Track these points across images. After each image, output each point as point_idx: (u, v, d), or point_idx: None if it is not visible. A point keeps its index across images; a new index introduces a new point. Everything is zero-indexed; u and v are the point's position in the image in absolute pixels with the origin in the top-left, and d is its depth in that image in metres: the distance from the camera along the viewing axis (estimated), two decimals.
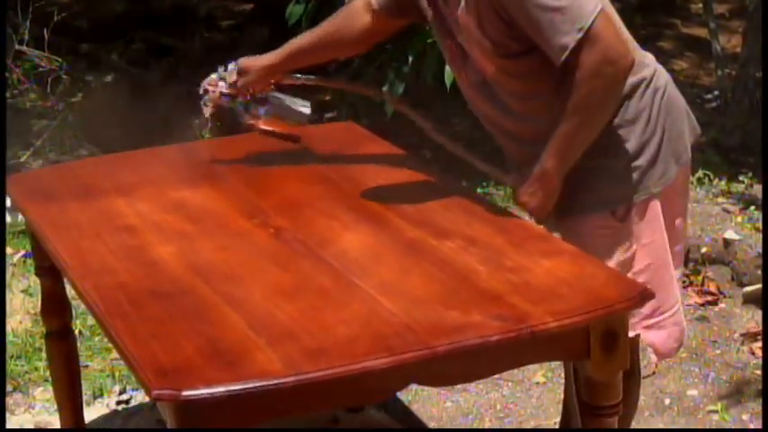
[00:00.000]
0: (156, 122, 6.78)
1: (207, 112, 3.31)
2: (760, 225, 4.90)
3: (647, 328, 2.91)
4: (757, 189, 5.52)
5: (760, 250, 4.70)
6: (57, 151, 6.58)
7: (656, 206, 2.87)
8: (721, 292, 4.61)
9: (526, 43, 2.73)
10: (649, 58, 2.95)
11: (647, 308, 2.86)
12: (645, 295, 2.47)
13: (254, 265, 2.65)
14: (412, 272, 2.58)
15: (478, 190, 5.67)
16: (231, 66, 3.26)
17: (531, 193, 2.82)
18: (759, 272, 4.64)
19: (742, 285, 4.62)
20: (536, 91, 2.83)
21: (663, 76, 2.93)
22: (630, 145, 2.84)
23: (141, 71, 7.84)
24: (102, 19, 8.22)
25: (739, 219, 5.02)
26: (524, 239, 2.74)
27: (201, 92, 3.29)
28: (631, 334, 2.87)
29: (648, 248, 2.88)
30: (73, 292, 2.82)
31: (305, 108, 3.33)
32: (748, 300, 4.53)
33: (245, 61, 3.24)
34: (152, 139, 5.53)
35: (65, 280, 3.05)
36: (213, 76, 3.29)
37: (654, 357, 3.01)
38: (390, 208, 2.93)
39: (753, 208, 5.16)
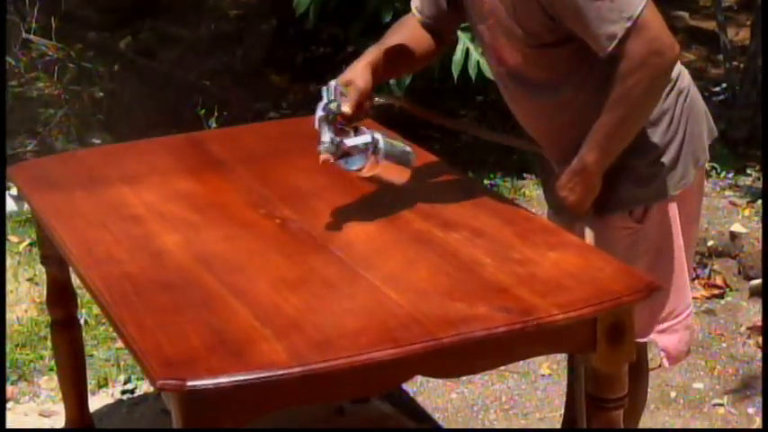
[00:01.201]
0: (163, 112, 6.78)
1: (329, 159, 2.73)
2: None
3: (661, 332, 2.90)
4: (763, 183, 5.50)
5: None
6: (63, 140, 6.58)
7: (673, 208, 2.84)
8: (728, 286, 4.60)
9: (561, 35, 2.69)
10: None
11: (663, 311, 2.85)
12: (651, 288, 2.47)
13: (260, 255, 2.65)
14: (418, 263, 2.57)
15: (486, 181, 5.66)
16: (333, 83, 2.79)
17: (571, 187, 2.77)
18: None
19: (748, 279, 4.61)
20: (559, 83, 2.79)
21: (686, 78, 2.90)
22: (652, 146, 2.80)
23: (149, 60, 7.84)
24: (109, 8, 8.20)
25: (746, 212, 5.01)
26: (531, 231, 2.73)
27: (317, 126, 2.75)
28: (646, 338, 2.87)
29: (665, 251, 2.85)
30: (78, 281, 2.82)
31: (410, 152, 2.88)
32: (755, 293, 4.53)
33: (344, 75, 2.82)
34: (159, 128, 5.54)
35: (70, 269, 3.05)
36: (323, 101, 2.76)
37: (665, 362, 2.98)
38: (397, 199, 2.92)
39: (760, 201, 5.14)
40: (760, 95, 6.17)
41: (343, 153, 2.75)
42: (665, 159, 2.81)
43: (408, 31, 3.00)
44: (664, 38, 2.62)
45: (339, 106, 2.74)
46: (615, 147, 2.72)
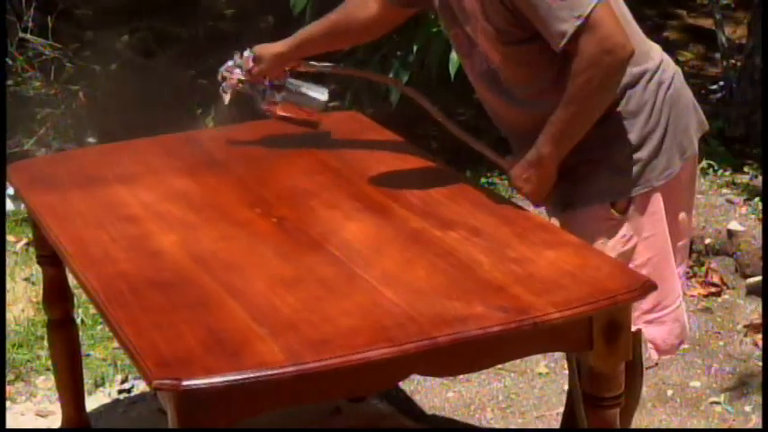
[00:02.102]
0: (160, 111, 6.77)
1: (226, 98, 3.34)
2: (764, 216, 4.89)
3: (648, 323, 2.90)
4: (762, 180, 5.50)
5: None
6: (60, 139, 6.57)
7: (657, 200, 2.86)
8: (725, 284, 4.60)
9: (530, 30, 2.72)
10: (656, 49, 2.94)
11: (648, 302, 2.85)
12: (648, 287, 2.47)
13: (256, 255, 2.65)
14: (415, 262, 2.57)
15: (482, 180, 5.66)
16: (246, 52, 3.28)
17: (526, 178, 2.83)
18: (762, 263, 4.63)
19: (746, 277, 4.61)
20: (540, 79, 2.82)
21: (669, 69, 2.91)
22: (632, 137, 2.82)
23: (146, 59, 7.83)
24: (106, 7, 8.19)
25: (743, 210, 5.00)
26: (528, 230, 2.73)
27: (219, 78, 3.33)
28: (633, 329, 2.87)
29: (649, 242, 2.86)
30: (75, 280, 2.82)
31: (321, 94, 3.36)
32: (752, 291, 4.52)
33: (260, 48, 3.27)
34: (155, 127, 5.53)
35: (66, 269, 3.05)
36: (229, 62, 3.31)
37: (654, 354, 2.98)
38: (394, 198, 2.93)
39: (757, 199, 5.14)
40: (757, 93, 6.17)
41: (291, 88, 3.31)
42: (646, 150, 2.83)
43: (350, 8, 3.21)
44: (616, 37, 2.65)
45: (239, 73, 3.28)
46: (569, 140, 2.77)
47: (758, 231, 4.75)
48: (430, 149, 3.36)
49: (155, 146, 3.48)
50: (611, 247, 2.82)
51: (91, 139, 6.52)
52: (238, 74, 3.29)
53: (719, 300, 4.51)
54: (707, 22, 7.84)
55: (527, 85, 2.85)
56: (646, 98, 2.84)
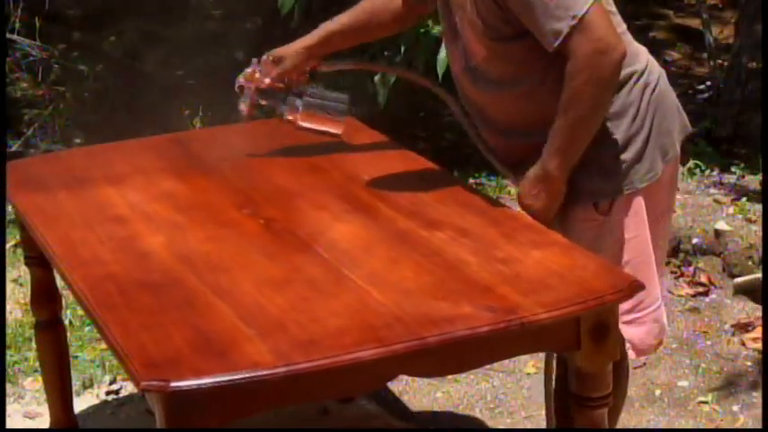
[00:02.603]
0: (148, 112, 6.76)
1: (244, 110, 3.23)
2: (751, 216, 4.90)
3: (627, 323, 2.89)
4: (749, 180, 5.52)
5: (751, 241, 4.70)
6: (48, 140, 6.56)
7: (639, 201, 2.85)
8: (712, 284, 4.61)
9: (518, 28, 2.72)
10: (642, 51, 2.94)
11: (628, 303, 2.84)
12: (635, 286, 2.47)
13: (244, 255, 2.64)
14: (402, 263, 2.58)
15: (470, 180, 5.66)
16: (264, 57, 3.20)
17: (535, 195, 2.79)
18: (750, 263, 4.64)
19: (733, 276, 4.62)
20: (523, 77, 2.82)
21: (655, 71, 2.91)
22: (616, 139, 2.82)
23: (133, 60, 7.82)
24: (94, 7, 8.18)
25: (731, 210, 5.01)
26: (515, 230, 2.73)
27: (237, 89, 3.22)
28: None
29: (631, 244, 2.86)
30: (63, 281, 2.82)
31: (344, 99, 3.29)
32: (739, 291, 4.53)
33: (279, 50, 3.20)
34: (143, 128, 5.52)
35: (54, 270, 3.04)
36: (248, 69, 3.21)
37: (632, 354, 2.98)
38: (381, 199, 2.93)
39: (744, 199, 5.15)
40: (744, 93, 6.20)
41: (312, 97, 3.23)
42: (630, 152, 2.83)
43: (377, 1, 3.18)
44: (609, 38, 2.64)
45: (260, 78, 3.18)
46: (575, 149, 2.74)
47: (745, 231, 4.77)
48: (417, 150, 3.35)
49: (143, 147, 3.48)
50: (592, 248, 2.79)
51: (78, 140, 6.51)
52: (258, 79, 3.17)
53: (707, 299, 4.52)
54: (694, 22, 7.86)
55: (509, 82, 2.84)
56: (631, 100, 2.84)
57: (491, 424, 3.80)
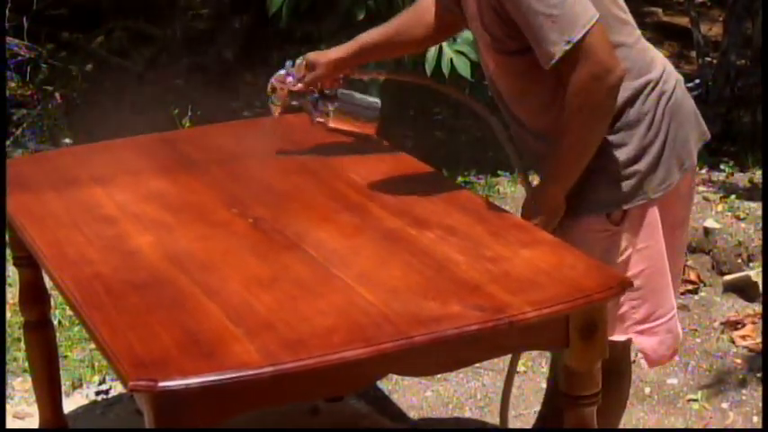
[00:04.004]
0: (137, 111, 6.75)
1: (275, 111, 3.26)
2: (740, 214, 4.91)
3: (640, 333, 2.88)
4: (738, 177, 5.53)
5: (740, 239, 4.71)
6: (36, 140, 6.55)
7: (654, 211, 2.82)
8: (701, 281, 4.61)
9: (522, 42, 2.69)
10: (658, 59, 2.89)
11: (641, 313, 2.85)
12: (624, 284, 2.48)
13: (233, 255, 2.64)
14: (391, 262, 2.57)
15: (459, 179, 5.66)
16: (299, 60, 3.19)
17: (535, 210, 2.80)
18: (739, 260, 4.65)
19: (722, 274, 4.63)
20: (531, 91, 2.80)
21: (671, 79, 2.87)
22: (630, 148, 2.78)
23: (121, 60, 7.81)
24: (82, 7, 8.17)
25: (720, 207, 5.02)
26: (504, 229, 2.73)
27: (269, 90, 3.23)
28: (623, 338, 2.87)
29: (644, 254, 2.83)
30: (51, 282, 2.81)
31: (374, 105, 3.29)
32: (728, 288, 4.54)
33: (313, 55, 3.18)
34: (132, 128, 5.51)
35: (43, 270, 3.04)
36: (281, 72, 3.21)
37: (645, 364, 2.97)
38: (370, 198, 2.93)
39: (733, 197, 5.16)
40: (734, 91, 6.20)
41: (343, 102, 3.23)
42: (645, 162, 2.79)
43: (411, 15, 3.14)
44: (606, 62, 2.62)
45: (293, 81, 3.18)
46: (571, 171, 2.75)
47: (734, 229, 4.77)
48: (406, 149, 3.35)
49: (131, 146, 3.47)
50: (605, 257, 2.78)
51: (67, 140, 6.50)
52: (291, 83, 3.18)
53: (696, 297, 4.53)
54: (682, 20, 7.87)
55: (518, 94, 2.83)
56: (646, 109, 2.80)
57: (481, 423, 3.80)
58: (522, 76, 2.79)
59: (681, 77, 2.93)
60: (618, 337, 2.85)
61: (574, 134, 2.69)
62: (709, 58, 6.69)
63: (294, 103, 3.23)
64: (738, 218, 4.90)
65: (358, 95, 3.27)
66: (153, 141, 3.55)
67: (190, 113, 6.28)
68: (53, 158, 3.56)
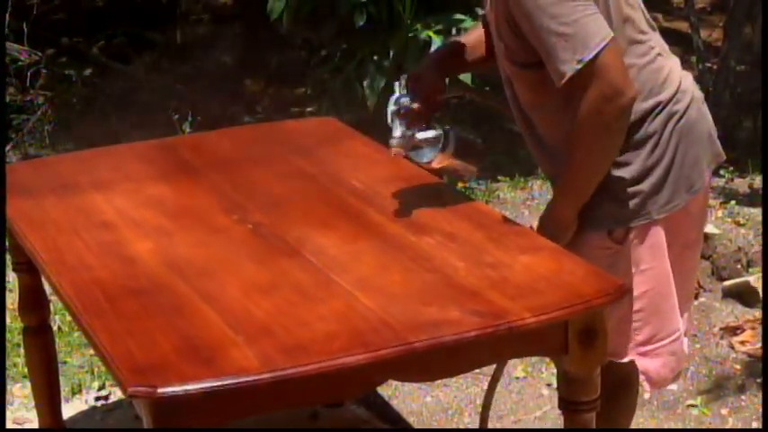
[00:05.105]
0: (137, 117, 6.76)
1: (399, 153, 2.91)
2: (740, 219, 4.91)
3: (642, 354, 2.86)
4: (738, 183, 5.53)
5: (740, 245, 4.71)
6: (36, 146, 6.56)
7: (658, 232, 2.78)
8: (701, 287, 4.61)
9: (536, 56, 2.66)
10: (673, 78, 2.82)
11: (643, 335, 2.83)
12: (623, 291, 2.47)
13: (232, 261, 2.64)
14: (390, 268, 2.57)
15: (459, 185, 5.66)
16: (402, 80, 2.95)
17: (545, 225, 2.79)
18: (738, 266, 4.65)
19: (722, 279, 4.63)
20: (543, 104, 2.78)
21: (685, 99, 2.81)
22: (634, 168, 2.75)
23: (122, 65, 7.81)
24: (82, 12, 8.18)
25: (719, 213, 5.02)
26: (503, 235, 2.73)
27: (389, 121, 2.90)
28: (626, 359, 2.86)
29: (647, 274, 2.80)
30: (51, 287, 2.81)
31: (448, 139, 2.97)
32: (728, 294, 4.54)
33: (413, 72, 2.99)
34: (132, 133, 5.52)
35: (42, 276, 3.04)
36: (394, 96, 2.90)
37: (646, 386, 2.94)
38: (370, 204, 2.93)
39: (733, 202, 5.16)
40: (734, 96, 6.20)
41: (414, 146, 2.90)
42: (648, 183, 2.76)
43: (477, 32, 3.07)
44: (618, 83, 2.58)
45: (410, 101, 2.87)
46: (581, 189, 2.73)
47: (734, 234, 4.77)
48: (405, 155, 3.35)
49: (130, 152, 3.47)
50: None
51: (66, 146, 6.50)
52: (406, 104, 2.86)
53: (696, 302, 4.52)
54: (683, 26, 7.87)
55: (531, 106, 2.82)
56: (652, 130, 2.76)
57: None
58: (534, 89, 2.77)
59: (700, 96, 2.87)
60: (614, 358, 2.83)
61: (584, 153, 2.67)
62: (709, 64, 6.69)
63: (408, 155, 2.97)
64: (738, 223, 4.90)
65: (424, 139, 2.96)
66: (153, 147, 3.55)
67: (190, 119, 6.28)
68: (53, 164, 3.56)
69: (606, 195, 2.76)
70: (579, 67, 2.56)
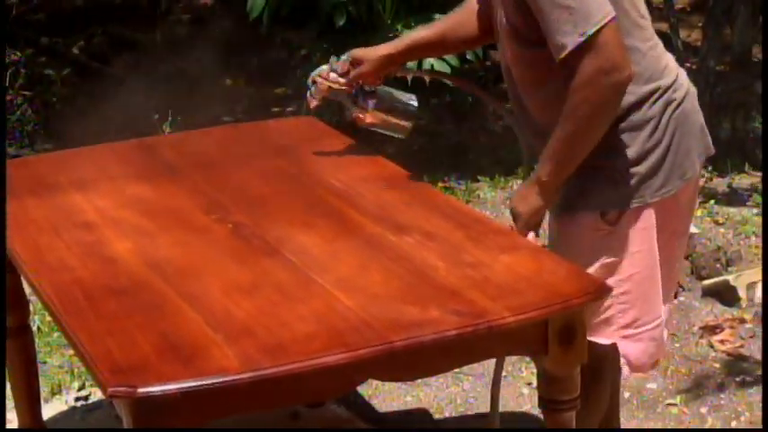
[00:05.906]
0: (117, 117, 6.74)
1: (312, 103, 3.23)
2: (719, 219, 4.93)
3: (625, 338, 2.88)
4: (717, 183, 5.55)
5: (719, 244, 4.73)
6: (16, 146, 6.54)
7: (649, 215, 2.81)
8: (680, 286, 4.62)
9: (542, 35, 2.68)
10: (672, 67, 2.88)
11: (627, 317, 2.85)
12: (603, 290, 2.48)
13: (212, 261, 2.64)
14: (370, 267, 2.58)
15: (440, 184, 5.67)
16: (344, 57, 3.17)
17: (523, 199, 2.78)
18: (718, 265, 4.67)
19: (701, 279, 4.64)
20: (543, 83, 2.79)
21: (682, 89, 2.86)
22: (631, 151, 2.78)
23: (102, 65, 7.79)
24: (61, 12, 8.16)
25: (699, 212, 5.04)
26: (483, 234, 2.74)
27: (309, 82, 3.21)
28: (608, 341, 2.87)
29: (636, 258, 2.83)
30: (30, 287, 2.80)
31: (413, 102, 3.26)
32: (707, 293, 4.56)
33: (360, 51, 3.16)
34: (112, 133, 5.50)
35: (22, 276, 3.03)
36: (324, 67, 3.20)
37: (626, 370, 2.96)
38: (350, 203, 2.93)
39: (712, 202, 5.19)
40: (713, 97, 6.22)
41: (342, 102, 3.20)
42: (644, 166, 2.79)
43: (460, 15, 3.13)
44: (616, 59, 2.61)
45: (334, 78, 3.16)
46: (568, 161, 2.72)
47: (713, 234, 4.80)
48: (387, 154, 3.36)
49: (110, 152, 3.47)
50: (596, 256, 2.80)
51: (46, 146, 6.48)
52: (334, 78, 3.16)
53: (675, 302, 4.54)
54: (662, 26, 7.89)
55: (533, 87, 2.83)
56: (651, 114, 2.79)
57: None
58: (537, 68, 2.79)
59: (694, 91, 2.92)
60: (602, 340, 2.85)
61: (573, 125, 2.67)
62: (688, 64, 6.71)
63: (333, 98, 3.22)
64: (717, 223, 4.92)
65: (397, 92, 3.25)
66: (133, 147, 3.54)
67: (170, 118, 6.27)
68: (33, 164, 3.55)
69: (602, 176, 2.79)
70: (581, 40, 2.59)
